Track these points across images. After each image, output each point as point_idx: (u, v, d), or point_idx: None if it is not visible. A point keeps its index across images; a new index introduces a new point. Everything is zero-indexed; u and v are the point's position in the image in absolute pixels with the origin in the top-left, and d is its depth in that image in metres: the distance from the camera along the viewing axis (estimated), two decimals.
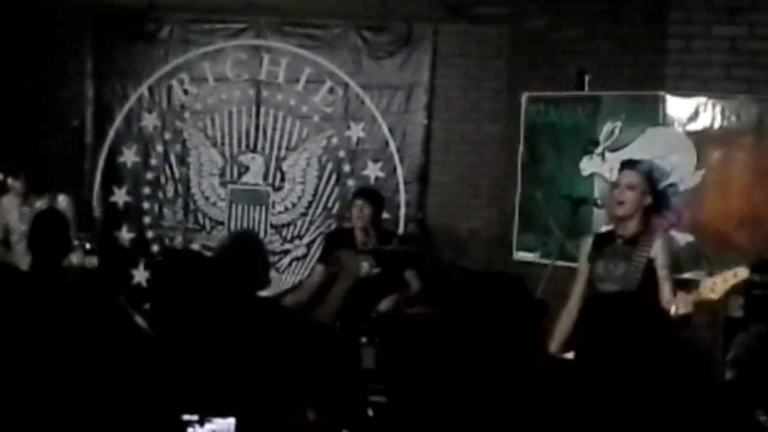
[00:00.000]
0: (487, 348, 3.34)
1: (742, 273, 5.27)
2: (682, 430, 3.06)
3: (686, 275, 6.86)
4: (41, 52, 9.28)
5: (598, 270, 5.92)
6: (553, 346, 5.73)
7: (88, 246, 6.86)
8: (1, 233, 7.44)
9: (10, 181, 7.30)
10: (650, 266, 5.68)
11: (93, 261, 7.02)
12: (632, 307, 3.21)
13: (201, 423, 3.52)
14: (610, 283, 5.79)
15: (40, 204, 7.28)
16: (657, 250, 5.68)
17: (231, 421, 3.58)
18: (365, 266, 7.47)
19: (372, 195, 7.74)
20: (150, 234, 9.29)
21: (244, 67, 9.13)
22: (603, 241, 6.01)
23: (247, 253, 4.84)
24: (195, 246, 8.63)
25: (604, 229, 6.49)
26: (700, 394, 3.68)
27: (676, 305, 5.42)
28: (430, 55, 8.80)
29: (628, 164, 5.90)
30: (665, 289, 5.62)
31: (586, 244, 6.07)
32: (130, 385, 3.40)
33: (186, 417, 3.50)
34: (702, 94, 7.26)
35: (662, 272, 5.67)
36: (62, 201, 7.35)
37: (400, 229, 8.70)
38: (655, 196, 5.80)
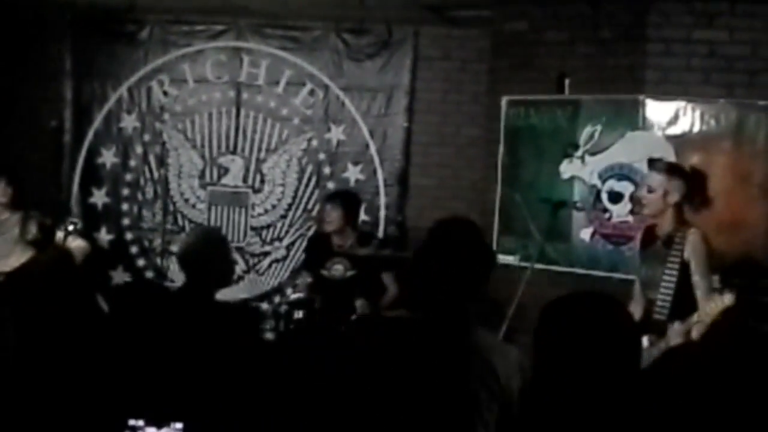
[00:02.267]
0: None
1: (728, 299, 5.23)
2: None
3: None
4: (20, 52, 9.24)
5: (641, 275, 5.88)
6: None
7: (71, 228, 6.90)
8: None
9: None
10: (686, 270, 5.58)
11: (80, 243, 7.04)
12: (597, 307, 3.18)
13: (148, 428, 3.49)
14: (650, 289, 5.71)
15: (13, 219, 7.27)
16: (690, 253, 5.58)
17: (179, 427, 3.55)
18: (340, 269, 7.49)
19: (341, 197, 7.73)
20: (129, 235, 9.26)
21: (224, 69, 9.11)
22: (647, 241, 5.93)
23: (208, 252, 4.80)
24: (173, 248, 8.61)
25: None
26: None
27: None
28: (410, 57, 8.81)
29: (649, 164, 5.89)
30: (698, 295, 5.51)
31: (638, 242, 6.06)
32: (81, 387, 3.38)
33: (132, 422, 3.47)
34: (681, 98, 7.28)
35: (695, 277, 5.53)
36: (34, 215, 7.33)
37: (380, 232, 8.71)
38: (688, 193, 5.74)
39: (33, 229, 7.22)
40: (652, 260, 5.76)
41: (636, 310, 5.84)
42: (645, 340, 5.58)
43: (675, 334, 5.41)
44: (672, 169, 5.80)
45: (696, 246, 5.59)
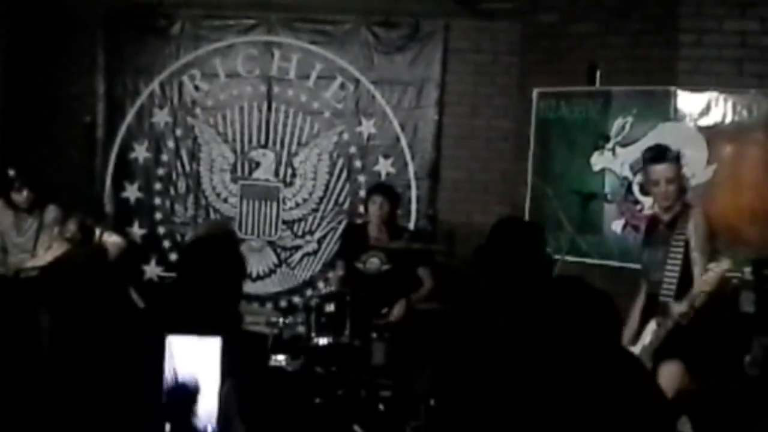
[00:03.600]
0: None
1: (725, 263, 5.33)
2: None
3: None
4: (53, 48, 9.30)
5: (644, 258, 5.95)
6: (624, 339, 5.71)
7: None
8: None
9: (14, 195, 7.29)
10: (688, 249, 5.68)
11: (116, 240, 7.09)
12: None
13: None
14: (655, 271, 5.80)
15: (30, 220, 7.32)
16: (691, 231, 5.68)
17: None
18: (376, 262, 7.50)
19: (390, 191, 7.79)
20: (161, 230, 9.30)
21: (255, 63, 9.13)
22: (651, 227, 6.02)
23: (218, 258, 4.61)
24: None
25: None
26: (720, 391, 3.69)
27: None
28: (441, 50, 8.79)
29: (659, 158, 5.91)
30: (695, 272, 5.60)
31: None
32: (113, 380, 3.40)
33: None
34: (713, 89, 7.24)
35: (694, 254, 5.64)
36: (51, 211, 7.36)
37: (411, 225, 8.69)
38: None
39: (72, 228, 7.24)
40: (655, 243, 5.86)
41: (639, 299, 5.93)
42: (653, 323, 5.65)
43: (678, 310, 5.47)
44: (678, 156, 5.89)
45: (698, 224, 5.74)
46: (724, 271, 5.39)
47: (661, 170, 5.89)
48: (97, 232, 7.05)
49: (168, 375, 3.55)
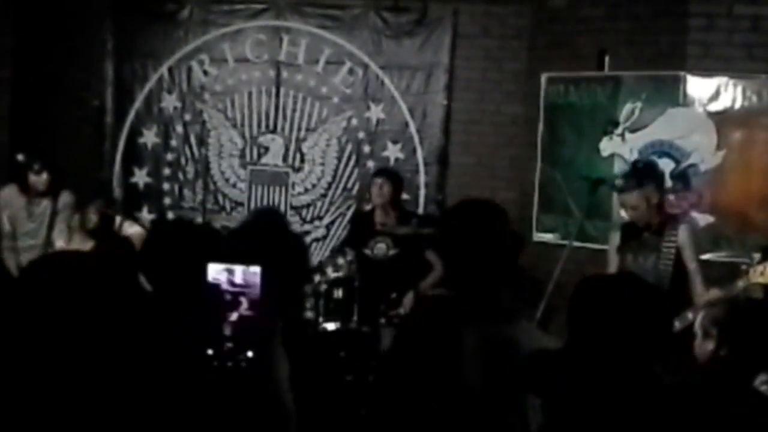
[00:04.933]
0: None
1: None
2: (681, 406, 3.04)
3: (707, 257, 6.84)
4: (62, 33, 9.30)
5: (628, 263, 5.96)
6: None
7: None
8: (8, 225, 7.42)
9: (33, 178, 7.29)
10: (679, 257, 5.74)
11: (137, 229, 7.08)
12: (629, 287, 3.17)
13: None
14: (645, 277, 5.80)
15: (44, 203, 7.32)
16: (683, 239, 5.75)
17: None
18: (383, 247, 7.50)
19: (391, 174, 7.79)
20: (170, 215, 9.31)
21: (263, 48, 9.12)
22: (631, 232, 6.06)
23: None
24: (215, 225, 8.67)
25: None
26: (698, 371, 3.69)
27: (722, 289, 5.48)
28: (449, 35, 8.76)
29: (619, 189, 6.09)
30: (697, 283, 5.66)
31: (615, 236, 6.16)
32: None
33: None
34: (723, 74, 7.22)
35: (692, 265, 5.74)
36: (66, 196, 7.36)
37: (420, 210, 8.69)
38: (662, 189, 6.22)
39: (94, 218, 7.24)
40: (641, 249, 5.91)
41: None
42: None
43: (712, 298, 5.49)
44: (639, 181, 5.98)
45: (690, 233, 5.90)
46: None
47: (625, 199, 6.08)
48: (117, 220, 7.05)
49: (209, 302, 3.63)
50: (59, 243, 7.12)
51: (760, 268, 5.42)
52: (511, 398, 3.24)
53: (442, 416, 3.21)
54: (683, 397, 3.00)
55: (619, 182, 6.11)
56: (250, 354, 3.71)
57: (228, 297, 3.81)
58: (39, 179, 7.26)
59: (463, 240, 3.51)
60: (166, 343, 3.20)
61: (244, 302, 3.82)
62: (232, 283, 3.81)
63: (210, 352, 3.57)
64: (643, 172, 6.24)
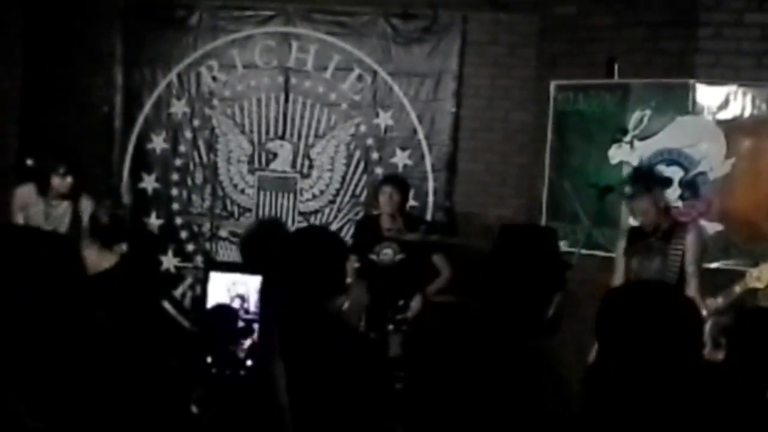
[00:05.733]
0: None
1: None
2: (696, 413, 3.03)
3: (715, 265, 6.84)
4: (71, 39, 9.30)
5: (634, 266, 5.99)
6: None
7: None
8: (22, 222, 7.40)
9: (57, 180, 7.29)
10: (682, 260, 5.78)
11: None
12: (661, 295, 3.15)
13: None
14: (647, 279, 5.85)
15: (63, 206, 7.31)
16: (689, 244, 5.78)
17: None
18: (389, 253, 7.50)
19: (400, 182, 7.78)
20: (178, 220, 9.30)
21: (272, 55, 9.12)
22: (637, 236, 6.08)
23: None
24: (222, 233, 8.68)
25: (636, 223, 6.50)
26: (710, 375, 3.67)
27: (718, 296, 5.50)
28: (458, 42, 8.77)
29: (632, 195, 6.10)
30: (691, 285, 5.71)
31: (621, 240, 6.18)
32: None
33: None
34: (732, 83, 7.21)
35: (690, 268, 5.78)
36: (86, 200, 7.36)
37: (428, 217, 8.69)
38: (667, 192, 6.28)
39: (105, 219, 7.21)
40: (647, 252, 5.93)
41: None
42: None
43: (714, 307, 5.51)
44: (647, 186, 5.99)
45: (696, 239, 5.95)
46: None
47: (635, 205, 6.11)
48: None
49: (209, 309, 3.63)
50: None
51: (755, 272, 5.44)
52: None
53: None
54: (697, 405, 2.99)
55: (628, 190, 6.10)
56: (248, 362, 3.71)
57: (241, 324, 3.81)
58: (63, 182, 7.27)
59: (518, 259, 3.54)
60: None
61: (256, 330, 3.82)
62: (245, 311, 3.82)
63: (209, 359, 3.57)
64: (649, 177, 6.25)
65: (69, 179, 7.26)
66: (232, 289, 3.76)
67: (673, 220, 6.13)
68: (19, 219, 7.38)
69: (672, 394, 2.87)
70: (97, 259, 5.80)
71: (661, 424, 2.86)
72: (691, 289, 5.74)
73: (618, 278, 6.18)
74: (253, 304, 3.86)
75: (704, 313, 5.37)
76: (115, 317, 3.64)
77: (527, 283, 3.53)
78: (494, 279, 3.63)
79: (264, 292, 3.85)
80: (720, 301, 5.58)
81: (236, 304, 3.86)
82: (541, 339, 3.48)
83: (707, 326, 3.80)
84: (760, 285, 5.44)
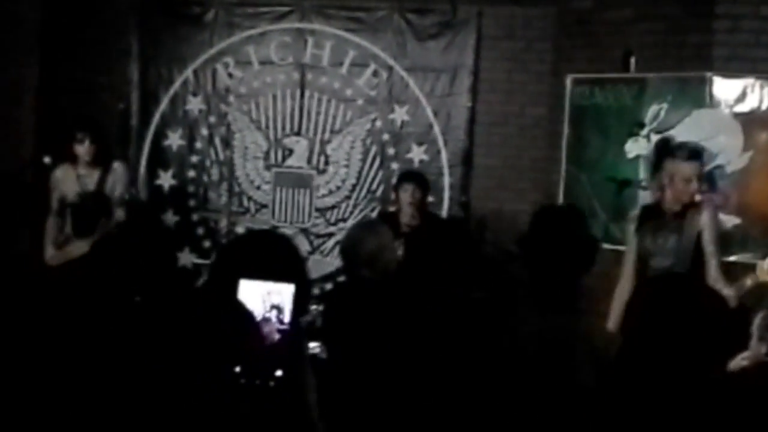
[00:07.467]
0: None
1: None
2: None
3: (733, 258, 6.82)
4: (87, 36, 9.34)
5: (647, 244, 5.95)
6: (610, 324, 5.77)
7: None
8: (56, 205, 7.42)
9: (77, 147, 7.31)
10: (698, 240, 5.72)
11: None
12: (686, 288, 3.15)
13: None
14: (661, 257, 5.82)
15: (96, 174, 7.34)
16: (705, 223, 5.74)
17: None
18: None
19: (420, 178, 7.76)
20: (195, 217, 9.31)
21: (288, 51, 9.13)
22: (650, 215, 6.02)
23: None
24: (239, 229, 8.68)
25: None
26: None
27: (731, 287, 5.45)
28: (474, 37, 8.76)
29: (694, 155, 5.90)
30: (711, 266, 5.65)
31: (633, 218, 6.11)
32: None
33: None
34: (749, 75, 7.18)
35: (709, 248, 5.71)
36: (117, 167, 7.41)
37: (444, 212, 8.69)
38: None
39: (121, 214, 7.26)
40: (663, 230, 5.85)
41: (626, 284, 5.92)
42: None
43: (737, 286, 5.47)
44: (697, 153, 5.94)
45: (712, 217, 5.84)
46: None
47: (692, 168, 5.89)
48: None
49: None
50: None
51: (766, 266, 5.40)
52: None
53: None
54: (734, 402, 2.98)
55: (682, 152, 5.92)
56: (279, 373, 3.69)
57: (277, 336, 3.78)
58: (82, 147, 7.28)
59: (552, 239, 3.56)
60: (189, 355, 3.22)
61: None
62: (281, 321, 3.79)
63: (237, 369, 3.55)
64: (694, 145, 6.15)
65: (87, 143, 7.27)
66: (267, 299, 3.71)
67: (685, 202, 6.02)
68: (54, 198, 7.41)
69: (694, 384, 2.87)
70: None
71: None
72: (712, 270, 5.68)
73: (629, 259, 6.11)
74: (287, 314, 3.81)
75: (729, 292, 5.34)
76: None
77: (562, 262, 3.54)
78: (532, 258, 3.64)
79: (297, 298, 3.84)
80: (731, 292, 5.54)
81: (272, 315, 3.82)
82: (573, 315, 3.48)
83: (756, 320, 3.75)
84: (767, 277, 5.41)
